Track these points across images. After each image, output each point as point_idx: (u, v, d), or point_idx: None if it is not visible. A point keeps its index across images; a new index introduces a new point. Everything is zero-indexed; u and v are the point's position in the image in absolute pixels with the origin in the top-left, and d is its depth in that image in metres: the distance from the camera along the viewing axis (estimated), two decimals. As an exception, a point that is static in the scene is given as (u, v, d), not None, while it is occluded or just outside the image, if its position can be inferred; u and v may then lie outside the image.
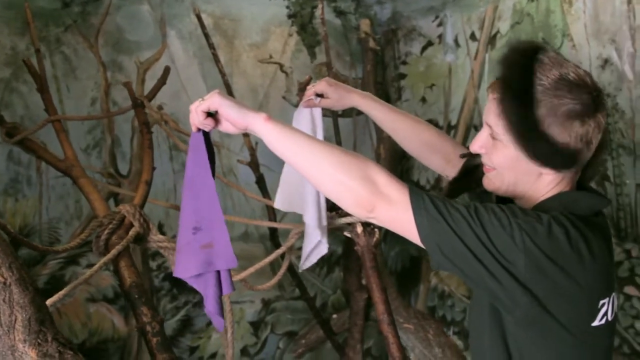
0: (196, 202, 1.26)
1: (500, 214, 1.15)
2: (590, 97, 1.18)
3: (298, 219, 2.26)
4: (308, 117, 1.60)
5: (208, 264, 1.26)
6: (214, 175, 1.27)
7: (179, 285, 2.93)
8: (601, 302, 1.22)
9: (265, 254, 3.12)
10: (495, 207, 1.16)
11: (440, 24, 3.16)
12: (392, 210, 1.17)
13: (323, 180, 1.20)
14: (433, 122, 3.18)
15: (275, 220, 2.78)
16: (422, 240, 1.16)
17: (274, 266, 2.80)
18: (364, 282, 2.67)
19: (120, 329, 2.83)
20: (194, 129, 1.27)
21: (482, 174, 1.40)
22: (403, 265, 3.48)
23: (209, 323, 3.02)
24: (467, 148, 1.63)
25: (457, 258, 1.15)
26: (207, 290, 1.28)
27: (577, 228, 1.16)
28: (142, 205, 1.70)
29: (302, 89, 1.97)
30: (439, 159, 1.63)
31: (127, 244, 1.54)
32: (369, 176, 1.17)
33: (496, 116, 1.23)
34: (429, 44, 3.24)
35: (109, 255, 1.51)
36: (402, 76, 3.42)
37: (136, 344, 2.86)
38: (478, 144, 1.30)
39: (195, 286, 1.30)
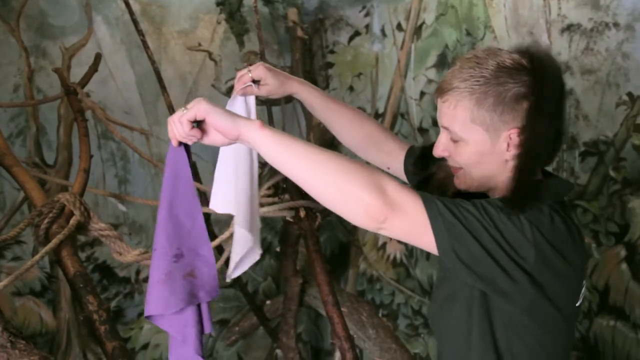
0: (176, 225, 1.13)
1: (505, 208, 1.16)
2: (530, 77, 1.24)
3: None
4: (243, 107, 1.44)
5: (191, 296, 1.13)
6: None
7: (109, 276, 2.88)
8: (583, 282, 1.30)
9: (196, 242, 3.11)
10: (500, 203, 1.17)
11: (367, 14, 3.22)
12: (407, 220, 1.12)
13: (327, 190, 1.12)
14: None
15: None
16: (438, 247, 1.13)
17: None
18: (299, 267, 2.72)
19: (49, 323, 2.75)
20: (174, 142, 1.15)
21: (439, 181, 1.46)
22: (332, 250, 3.55)
23: (140, 314, 2.98)
24: (404, 141, 1.68)
25: (472, 260, 1.14)
26: (186, 329, 1.14)
27: (568, 215, 1.23)
28: (81, 194, 1.67)
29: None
30: (383, 152, 1.61)
31: (68, 233, 1.51)
32: (379, 185, 1.10)
33: (450, 118, 1.27)
34: (356, 33, 3.30)
35: (51, 245, 1.48)
36: (330, 65, 3.47)
37: (65, 337, 2.79)
38: (440, 149, 1.32)
39: (167, 327, 1.15)
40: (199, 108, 1.11)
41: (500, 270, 1.14)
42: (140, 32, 2.69)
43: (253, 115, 1.45)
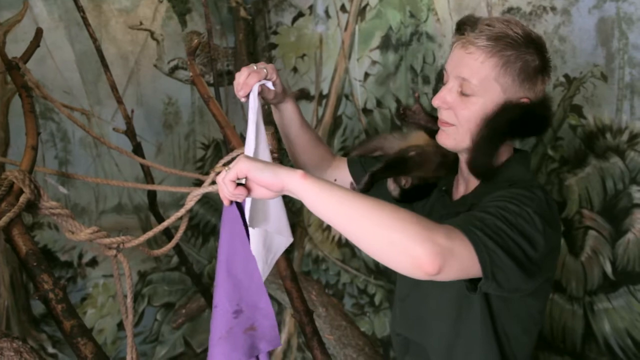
0: (235, 281, 1.15)
1: (517, 210, 1.17)
2: (547, 56, 1.32)
3: (180, 183, 2.24)
4: (260, 109, 1.35)
5: (253, 348, 1.15)
6: None
7: (51, 261, 2.79)
8: None
9: (140, 225, 3.06)
10: (509, 205, 1.18)
11: (311, -5, 3.23)
12: (459, 264, 1.07)
13: (375, 242, 1.05)
14: (305, 92, 3.26)
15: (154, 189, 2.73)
16: (484, 276, 1.11)
17: (150, 239, 2.77)
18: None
19: (-14, 307, 2.66)
20: (226, 202, 1.17)
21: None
22: (277, 232, 3.56)
23: (84, 298, 2.91)
24: (341, 157, 1.75)
25: (505, 279, 1.13)
26: None
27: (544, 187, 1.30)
28: (30, 171, 1.61)
29: (191, 53, 1.95)
30: (331, 168, 1.70)
31: (19, 211, 1.46)
32: (429, 237, 1.03)
33: (473, 71, 1.30)
34: (300, 14, 3.30)
35: (1, 223, 1.43)
36: (273, 46, 3.46)
37: (4, 324, 2.70)
38: (441, 100, 1.34)
39: None
40: (239, 168, 1.10)
41: (525, 275, 1.15)
42: (80, 9, 2.61)
43: (260, 118, 1.36)
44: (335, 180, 1.68)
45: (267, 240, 1.27)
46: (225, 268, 1.17)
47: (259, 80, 1.37)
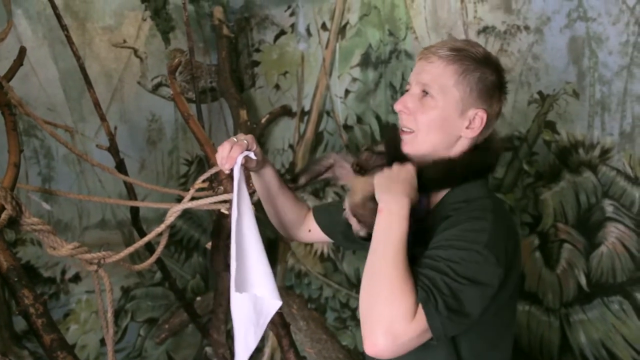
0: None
1: (466, 255, 1.20)
2: (504, 76, 1.38)
3: (163, 198, 2.26)
4: (243, 179, 1.40)
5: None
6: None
7: (34, 277, 2.80)
8: None
9: (123, 240, 3.08)
10: (459, 251, 1.21)
11: (292, 14, 3.27)
12: (416, 342, 1.16)
13: (361, 304, 1.19)
14: (287, 109, 3.30)
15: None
16: (435, 339, 1.17)
17: (132, 255, 2.78)
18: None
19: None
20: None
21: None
22: (260, 247, 3.57)
23: (67, 314, 2.92)
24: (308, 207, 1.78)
25: (459, 329, 1.20)
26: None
27: (501, 202, 1.33)
28: (12, 188, 1.64)
29: (172, 72, 1.98)
30: (306, 224, 1.73)
31: (0, 228, 1.49)
32: (390, 328, 1.13)
33: (435, 77, 1.35)
34: (282, 32, 3.35)
35: (-18, 239, 1.45)
36: (256, 63, 3.51)
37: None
38: (403, 104, 1.38)
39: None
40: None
41: (480, 313, 1.20)
42: (64, 27, 2.64)
43: (243, 187, 1.40)
44: (310, 231, 1.73)
45: (257, 305, 1.33)
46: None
47: (242, 152, 1.40)
